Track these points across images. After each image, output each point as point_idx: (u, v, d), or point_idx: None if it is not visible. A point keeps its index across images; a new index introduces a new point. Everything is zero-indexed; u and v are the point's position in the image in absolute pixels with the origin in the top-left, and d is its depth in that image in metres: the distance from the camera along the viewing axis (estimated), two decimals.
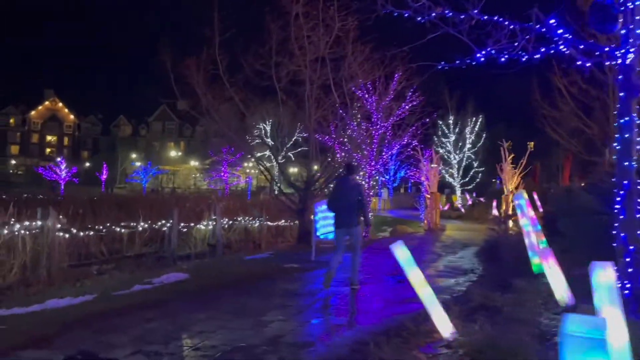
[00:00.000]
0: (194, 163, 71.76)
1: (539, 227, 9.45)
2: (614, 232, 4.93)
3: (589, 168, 34.79)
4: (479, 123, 39.65)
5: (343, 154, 15.20)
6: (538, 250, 7.47)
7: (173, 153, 74.99)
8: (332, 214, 7.74)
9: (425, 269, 8.37)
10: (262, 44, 11.90)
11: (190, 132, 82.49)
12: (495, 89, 54.27)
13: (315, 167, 15.26)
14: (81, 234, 9.34)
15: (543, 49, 5.86)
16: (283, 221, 16.98)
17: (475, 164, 40.46)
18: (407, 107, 17.73)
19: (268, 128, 34.59)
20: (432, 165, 21.97)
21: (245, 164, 59.56)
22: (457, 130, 39.52)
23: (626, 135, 5.00)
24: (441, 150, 38.02)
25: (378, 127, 17.16)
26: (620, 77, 5.19)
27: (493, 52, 6.31)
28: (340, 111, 16.62)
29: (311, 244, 12.73)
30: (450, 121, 38.74)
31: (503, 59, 6.30)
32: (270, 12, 11.49)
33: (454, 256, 11.60)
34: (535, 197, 21.58)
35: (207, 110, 13.26)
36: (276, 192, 13.57)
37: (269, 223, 15.89)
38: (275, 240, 16.18)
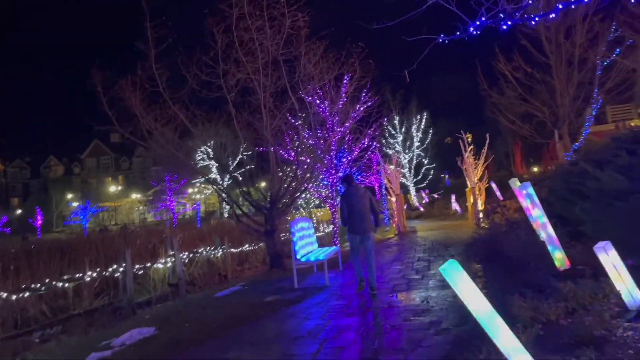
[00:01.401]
0: (135, 196, 68.43)
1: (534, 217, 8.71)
2: None
3: (537, 153, 35.48)
4: (424, 120, 39.63)
5: (305, 166, 14.04)
6: (557, 243, 6.61)
7: (112, 188, 71.25)
8: (343, 223, 7.93)
9: (427, 282, 7.42)
10: (206, 51, 10.56)
11: (127, 165, 79.10)
12: (437, 85, 54.81)
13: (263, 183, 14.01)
14: (14, 297, 7.67)
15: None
16: (247, 246, 15.60)
17: (426, 162, 40.38)
18: (361, 108, 16.87)
19: (210, 150, 33.25)
20: (391, 167, 21.21)
21: (190, 190, 57.29)
22: (403, 129, 39.28)
23: None
24: (390, 152, 37.63)
25: (334, 132, 16.17)
26: None
27: (489, 21, 5.47)
28: (293, 120, 15.50)
29: (285, 267, 11.49)
30: (396, 121, 38.44)
31: (505, 27, 5.43)
32: (210, 14, 10.19)
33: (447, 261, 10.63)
34: (494, 186, 21.31)
35: (149, 134, 11.74)
36: (237, 216, 12.18)
37: (232, 250, 14.48)
38: (242, 268, 14.77)
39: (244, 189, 12.33)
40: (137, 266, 10.49)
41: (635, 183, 5.65)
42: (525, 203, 8.80)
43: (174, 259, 11.54)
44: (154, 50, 10.49)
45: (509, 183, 9.06)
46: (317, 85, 12.40)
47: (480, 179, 18.87)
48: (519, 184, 8.88)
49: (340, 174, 16.87)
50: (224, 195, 12.97)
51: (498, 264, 8.41)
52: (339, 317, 6.37)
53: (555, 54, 20.25)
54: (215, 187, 12.60)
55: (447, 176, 51.51)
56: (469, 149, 18.92)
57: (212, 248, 13.48)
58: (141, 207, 66.91)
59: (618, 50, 19.92)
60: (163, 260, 11.39)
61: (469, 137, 20.21)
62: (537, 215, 6.75)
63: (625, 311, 4.40)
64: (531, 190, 6.87)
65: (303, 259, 8.94)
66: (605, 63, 19.80)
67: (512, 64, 21.45)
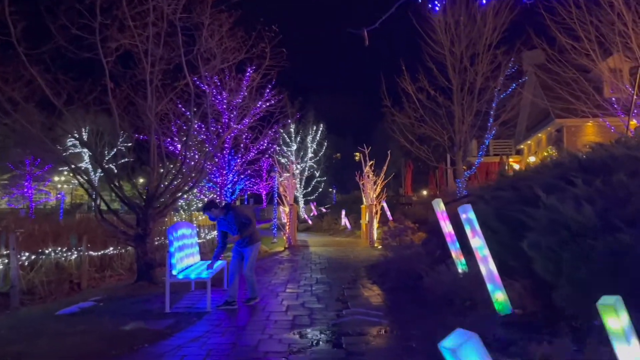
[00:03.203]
0: None
1: (457, 245, 7.69)
2: None
3: (424, 177, 36.29)
4: (319, 132, 38.92)
5: (193, 162, 12.10)
6: (499, 281, 5.50)
7: None
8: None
9: (331, 313, 5.87)
10: None
11: None
12: (334, 100, 54.77)
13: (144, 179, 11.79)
14: None
15: None
16: (111, 249, 13.11)
17: (317, 174, 39.64)
18: (264, 105, 15.27)
19: (85, 134, 29.28)
20: (287, 174, 19.76)
21: (57, 178, 51.19)
22: (298, 139, 38.21)
23: None
24: (283, 160, 36.33)
25: (230, 129, 14.34)
26: None
27: None
28: (183, 109, 13.44)
29: (155, 281, 9.44)
30: (292, 129, 37.27)
31: None
32: None
33: (354, 291, 9.30)
34: (385, 206, 20.78)
35: (13, 107, 9.14)
36: (100, 212, 9.86)
37: (91, 253, 11.96)
38: (102, 276, 12.27)
39: (115, 183, 10.05)
40: None
41: (604, 219, 4.67)
42: (446, 229, 7.77)
43: (7, 261, 8.94)
44: None
45: (432, 203, 7.97)
46: (218, 67, 10.54)
47: (378, 197, 18.06)
48: (442, 206, 7.82)
49: (231, 175, 15.08)
50: (86, 186, 10.54)
51: (417, 298, 7.20)
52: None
53: (457, 80, 20.32)
54: (78, 175, 10.12)
55: (334, 191, 51.49)
56: (370, 163, 18.07)
57: (64, 249, 10.92)
58: None
59: (514, 84, 20.64)
60: None
61: (357, 156, 19.53)
62: (478, 246, 5.59)
63: None
64: (472, 214, 5.72)
65: (180, 276, 7.03)
66: (502, 96, 20.28)
67: (417, 84, 21.23)
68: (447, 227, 7.62)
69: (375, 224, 17.16)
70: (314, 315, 6.69)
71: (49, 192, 48.55)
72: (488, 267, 5.50)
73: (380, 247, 16.11)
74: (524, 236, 5.49)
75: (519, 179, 7.55)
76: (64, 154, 25.50)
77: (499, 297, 5.41)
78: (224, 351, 5.03)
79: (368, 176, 17.89)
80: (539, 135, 29.31)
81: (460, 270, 7.41)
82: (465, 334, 1.91)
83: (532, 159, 29.31)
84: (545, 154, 25.86)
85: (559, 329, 4.51)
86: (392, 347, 5.14)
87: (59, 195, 44.94)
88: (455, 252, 7.51)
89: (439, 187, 28.26)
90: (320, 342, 5.32)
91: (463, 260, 7.45)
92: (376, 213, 17.50)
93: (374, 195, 17.71)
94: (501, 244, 6.36)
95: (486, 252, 5.55)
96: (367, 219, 18.10)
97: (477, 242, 5.60)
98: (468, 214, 5.72)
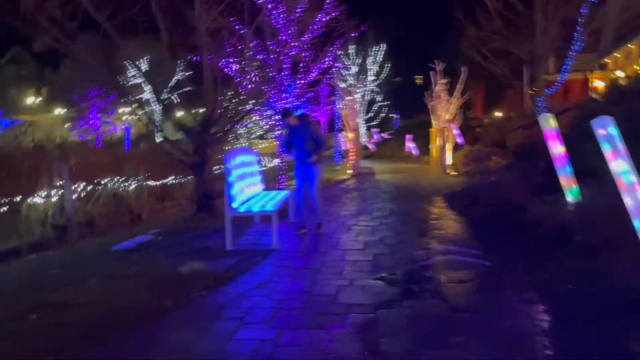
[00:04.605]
0: (59, 111, 61.91)
1: (568, 170, 6.33)
2: None
3: (495, 98, 33.69)
4: (381, 53, 36.60)
5: (251, 85, 11.07)
6: None
7: (32, 100, 64.06)
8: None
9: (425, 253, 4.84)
10: None
11: (53, 76, 71.34)
12: (396, 18, 51.23)
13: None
14: None
15: None
16: (171, 178, 12.59)
17: (379, 98, 37.80)
18: (324, 19, 13.75)
19: (145, 66, 28.76)
20: (350, 98, 18.44)
21: (121, 110, 52.08)
22: (359, 61, 36.13)
23: None
24: (343, 85, 34.67)
25: (289, 47, 13.05)
26: None
27: None
28: (237, 27, 12.22)
29: (215, 213, 8.68)
30: (352, 50, 35.16)
31: None
32: None
33: (437, 224, 8.22)
34: (456, 130, 19.06)
35: (70, 40, 8.43)
36: (157, 142, 9.10)
37: (150, 183, 11.45)
38: (163, 206, 11.83)
39: (165, 103, 9.25)
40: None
41: None
42: (555, 150, 6.38)
43: (62, 192, 8.43)
44: None
45: (538, 119, 6.56)
46: None
47: (451, 119, 16.47)
48: (553, 122, 6.40)
49: (291, 99, 13.95)
50: (140, 113, 9.79)
51: (519, 233, 6.01)
52: (297, 322, 3.73)
53: None
54: (136, 104, 9.42)
55: (397, 116, 49.54)
56: (442, 81, 16.35)
57: (121, 179, 10.41)
58: (65, 125, 60.79)
59: None
60: (44, 193, 8.26)
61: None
62: (622, 171, 4.26)
63: None
64: (614, 129, 4.35)
65: (242, 209, 6.15)
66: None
67: None
68: (557, 148, 6.27)
69: (449, 149, 15.71)
70: (397, 254, 5.68)
71: (115, 123, 49.46)
72: (636, 197, 4.18)
73: (454, 173, 14.80)
74: None
75: None
76: (127, 84, 25.22)
77: None
78: (297, 302, 4.13)
79: (440, 96, 16.23)
80: (630, 45, 25.86)
81: (571, 200, 6.12)
82: None
83: (619, 73, 26.11)
84: (637, 66, 22.85)
85: None
86: (508, 301, 4.05)
87: (123, 127, 45.67)
88: (567, 178, 6.19)
89: (513, 108, 25.92)
90: (414, 292, 4.31)
91: (576, 188, 6.13)
92: (448, 137, 16.01)
93: (447, 117, 16.11)
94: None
95: (633, 178, 4.22)
96: (437, 143, 16.66)
97: (622, 166, 4.26)
98: (608, 129, 4.35)
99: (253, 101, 9.81)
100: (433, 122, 17.35)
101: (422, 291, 4.32)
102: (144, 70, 23.50)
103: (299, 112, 7.50)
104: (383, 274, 4.85)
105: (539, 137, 10.70)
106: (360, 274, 4.91)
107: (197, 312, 4.03)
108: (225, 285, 4.63)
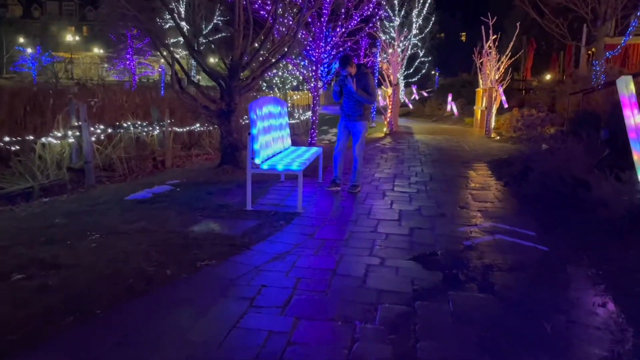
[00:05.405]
0: (97, 50, 61.74)
1: None
2: None
3: (545, 59, 31.60)
4: (427, 4, 34.57)
5: (285, 30, 10.26)
6: None
7: (72, 38, 64.00)
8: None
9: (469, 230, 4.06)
10: None
11: (93, 15, 71.04)
12: None
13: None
14: None
15: None
16: (198, 125, 12.04)
17: (421, 53, 36.01)
18: None
19: (182, 9, 27.75)
20: (391, 50, 17.31)
21: (157, 53, 51.59)
22: (402, 12, 34.28)
23: None
24: (384, 37, 33.08)
25: None
26: None
27: None
28: None
29: (241, 166, 8.08)
30: (396, 1, 33.30)
31: None
32: None
33: (483, 196, 7.42)
34: (501, 92, 17.75)
35: None
36: (180, 86, 8.39)
37: (175, 129, 10.92)
38: (188, 154, 11.34)
39: (195, 48, 8.49)
40: (13, 138, 6.89)
41: None
42: (632, 120, 5.44)
43: (78, 133, 7.94)
44: None
45: (616, 83, 5.59)
46: None
47: (501, 80, 15.23)
48: (632, 87, 5.44)
49: (328, 48, 13.02)
50: (164, 53, 9.11)
51: (583, 213, 5.20)
52: (317, 310, 3.11)
53: None
54: (161, 47, 8.76)
55: (438, 74, 47.59)
56: (493, 37, 15.04)
57: (145, 123, 9.87)
58: (104, 65, 60.68)
59: None
60: (61, 134, 7.78)
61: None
62: None
63: None
64: None
65: (265, 166, 5.49)
66: None
67: None
68: (634, 119, 5.34)
69: (494, 111, 14.60)
70: (437, 229, 4.97)
71: (151, 64, 49.00)
72: None
73: (497, 138, 13.79)
74: None
75: None
76: (165, 26, 24.48)
77: None
78: (319, 284, 3.50)
79: (489, 54, 14.98)
80: None
81: None
82: None
83: None
84: None
85: None
86: (579, 301, 3.32)
87: (159, 69, 45.22)
88: None
89: (565, 71, 24.13)
90: (458, 280, 3.62)
91: None
92: (496, 99, 14.85)
93: (496, 78, 14.91)
94: None
95: None
96: (482, 104, 15.53)
97: None
98: None
99: (286, 43, 8.99)
100: (480, 81, 16.14)
101: (469, 280, 3.62)
102: (181, 14, 22.72)
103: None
104: (420, 253, 4.17)
105: (603, 103, 9.62)
106: (394, 251, 4.24)
107: (201, 286, 3.44)
108: (239, 254, 4.03)
